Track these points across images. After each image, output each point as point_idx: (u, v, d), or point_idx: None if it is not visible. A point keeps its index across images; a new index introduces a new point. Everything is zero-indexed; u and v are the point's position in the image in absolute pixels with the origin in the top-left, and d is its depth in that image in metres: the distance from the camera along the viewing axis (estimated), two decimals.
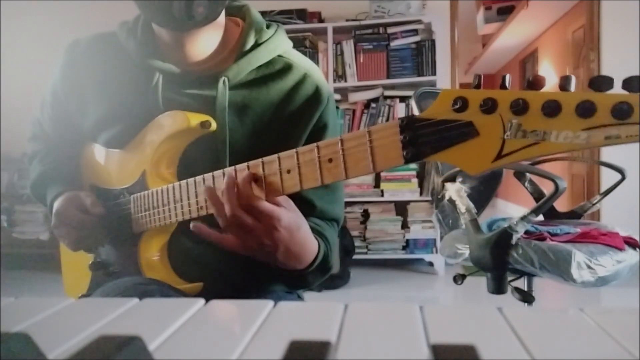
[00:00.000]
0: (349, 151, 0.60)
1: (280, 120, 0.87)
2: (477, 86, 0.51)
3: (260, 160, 0.68)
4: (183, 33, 0.84)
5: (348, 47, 3.55)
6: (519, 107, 0.47)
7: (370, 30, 3.56)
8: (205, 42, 0.88)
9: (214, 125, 0.83)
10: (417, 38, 3.50)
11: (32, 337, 0.30)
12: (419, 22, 3.49)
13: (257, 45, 0.88)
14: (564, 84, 0.47)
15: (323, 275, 0.87)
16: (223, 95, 0.85)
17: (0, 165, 3.89)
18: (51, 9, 4.04)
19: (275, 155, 0.67)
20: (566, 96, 0.46)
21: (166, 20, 0.80)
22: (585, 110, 0.44)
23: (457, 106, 0.50)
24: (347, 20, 3.62)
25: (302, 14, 3.58)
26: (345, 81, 3.57)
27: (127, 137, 0.90)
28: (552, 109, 0.46)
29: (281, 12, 3.57)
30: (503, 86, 0.49)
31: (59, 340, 0.39)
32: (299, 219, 0.74)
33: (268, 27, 0.92)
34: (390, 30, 3.52)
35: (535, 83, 0.48)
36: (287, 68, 0.89)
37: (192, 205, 0.78)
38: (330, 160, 0.61)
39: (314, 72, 0.91)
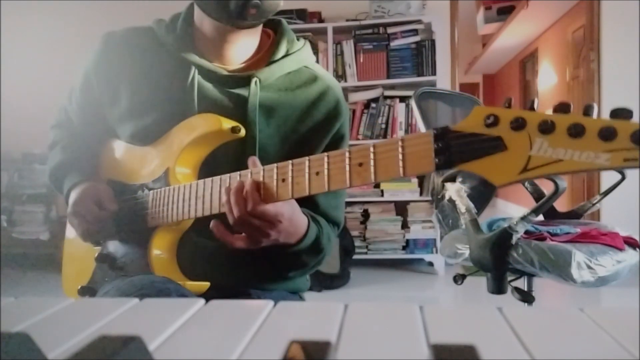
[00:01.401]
0: (380, 156, 0.63)
1: (303, 127, 0.94)
2: (508, 107, 0.55)
3: (289, 162, 0.72)
4: (229, 32, 0.91)
5: (348, 47, 3.55)
6: (547, 127, 0.51)
7: (370, 30, 3.56)
8: (242, 47, 0.95)
9: (243, 132, 0.87)
10: (417, 38, 3.50)
11: (32, 337, 0.30)
12: (419, 22, 3.48)
13: (287, 54, 0.96)
14: (587, 110, 0.51)
15: (316, 256, 0.91)
16: (255, 94, 0.91)
17: (0, 165, 3.89)
18: (52, 9, 4.04)
19: (305, 158, 0.70)
20: (590, 121, 0.49)
21: (221, 15, 0.87)
22: (608, 134, 0.48)
23: (489, 121, 0.54)
24: (347, 20, 3.61)
25: (302, 14, 3.58)
26: (345, 81, 3.56)
27: (156, 129, 0.93)
28: (577, 131, 0.49)
29: (281, 12, 3.54)
30: (531, 108, 0.53)
31: (59, 340, 0.39)
32: (293, 205, 0.82)
33: (297, 40, 1.00)
34: (390, 30, 3.52)
35: (561, 108, 0.52)
36: (313, 79, 0.97)
37: (214, 202, 0.81)
38: (360, 165, 0.64)
39: (336, 86, 0.99)
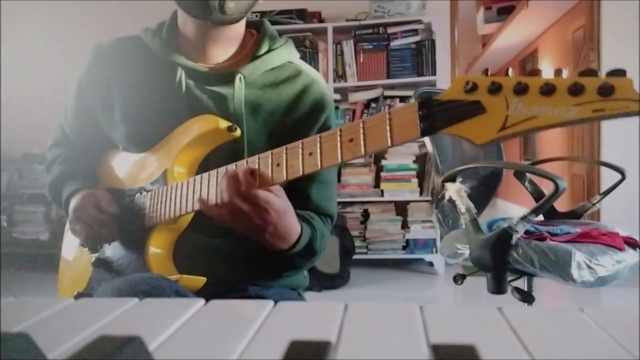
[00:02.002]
0: (369, 130, 0.66)
1: (290, 120, 0.96)
2: (485, 75, 0.59)
3: (284, 147, 0.75)
4: (209, 29, 0.93)
5: (348, 47, 3.54)
6: (521, 88, 0.55)
7: (370, 30, 3.56)
8: (226, 45, 0.98)
9: (238, 131, 0.88)
10: (417, 38, 3.50)
11: (32, 337, 0.30)
12: (419, 22, 3.48)
13: (270, 50, 0.98)
14: (557, 73, 0.55)
15: (309, 258, 0.93)
16: (240, 90, 0.94)
17: (0, 165, 3.89)
18: (52, 10, 4.04)
19: (299, 141, 0.73)
20: (560, 80, 0.54)
21: (202, 12, 0.90)
22: (576, 90, 0.52)
23: (468, 88, 0.58)
24: (347, 20, 3.61)
25: (302, 14, 3.58)
26: (345, 81, 3.56)
27: (149, 131, 0.95)
28: (548, 89, 0.54)
29: (281, 12, 3.56)
30: (506, 74, 0.58)
31: (59, 340, 0.39)
32: (287, 205, 0.83)
33: (280, 37, 1.03)
34: (390, 30, 3.52)
35: (534, 73, 0.56)
36: (297, 74, 0.99)
37: (210, 195, 0.82)
38: (351, 140, 0.67)
39: (320, 79, 1.01)
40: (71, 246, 1.06)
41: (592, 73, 0.53)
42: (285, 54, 1.00)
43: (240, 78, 0.94)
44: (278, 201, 0.80)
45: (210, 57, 0.98)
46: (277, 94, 0.96)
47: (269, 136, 0.94)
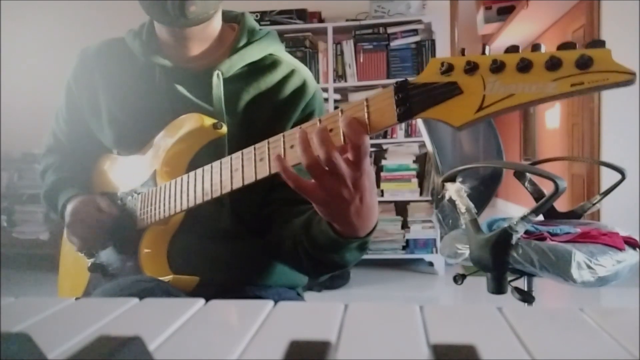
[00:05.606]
0: None
1: (268, 107, 0.93)
2: (462, 55, 0.58)
3: (266, 141, 0.73)
4: (179, 30, 0.92)
5: (348, 47, 3.54)
6: (497, 66, 0.54)
7: (370, 30, 3.56)
8: (201, 42, 0.96)
9: (224, 128, 0.87)
10: (417, 38, 3.50)
11: (32, 337, 0.30)
12: (419, 22, 3.48)
13: (249, 43, 0.96)
14: (534, 48, 0.54)
15: (360, 254, 0.80)
16: (218, 87, 0.92)
17: (0, 165, 3.89)
18: (52, 9, 4.04)
19: (280, 134, 0.71)
20: (537, 55, 0.53)
21: (162, 17, 0.88)
22: (553, 64, 0.51)
23: (443, 69, 0.56)
24: (347, 20, 3.61)
25: (302, 14, 3.58)
26: (345, 81, 3.56)
27: (135, 133, 0.95)
28: (525, 65, 0.53)
29: (281, 12, 3.56)
30: (483, 53, 0.57)
31: (59, 340, 0.39)
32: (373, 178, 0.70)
33: (260, 30, 1.00)
34: (390, 30, 3.52)
35: (511, 50, 0.55)
36: (277, 64, 0.96)
37: (197, 193, 0.82)
38: (331, 130, 0.65)
39: (302, 69, 0.98)
40: (69, 253, 1.06)
41: (571, 46, 0.51)
42: (265, 47, 0.97)
43: (218, 75, 0.92)
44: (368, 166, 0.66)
45: (188, 55, 0.96)
46: (255, 85, 0.94)
47: (250, 128, 0.92)
